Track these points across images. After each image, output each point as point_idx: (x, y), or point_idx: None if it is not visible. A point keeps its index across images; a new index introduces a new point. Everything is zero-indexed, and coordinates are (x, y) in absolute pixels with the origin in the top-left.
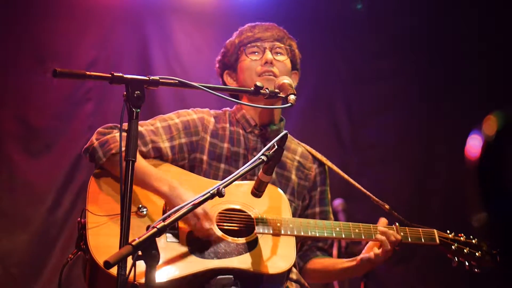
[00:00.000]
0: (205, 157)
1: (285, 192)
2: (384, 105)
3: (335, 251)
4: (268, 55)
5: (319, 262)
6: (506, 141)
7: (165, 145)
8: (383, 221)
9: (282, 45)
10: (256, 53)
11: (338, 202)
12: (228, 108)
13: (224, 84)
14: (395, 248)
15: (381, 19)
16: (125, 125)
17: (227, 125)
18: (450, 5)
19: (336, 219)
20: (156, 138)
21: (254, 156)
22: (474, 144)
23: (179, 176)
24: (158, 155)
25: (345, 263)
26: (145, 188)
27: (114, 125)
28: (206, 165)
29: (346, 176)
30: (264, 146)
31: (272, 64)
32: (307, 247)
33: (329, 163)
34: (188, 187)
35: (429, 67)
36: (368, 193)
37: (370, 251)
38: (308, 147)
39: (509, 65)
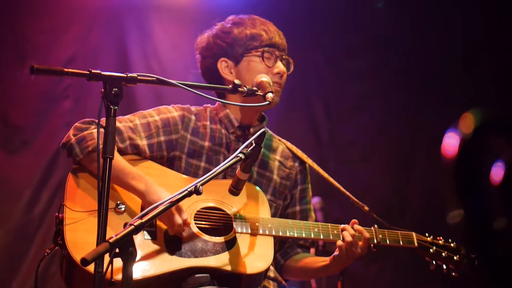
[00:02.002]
0: (184, 156)
1: (266, 192)
2: (362, 103)
3: (312, 250)
4: (282, 67)
5: (298, 260)
6: (483, 139)
7: (143, 142)
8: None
9: (286, 57)
10: (270, 60)
11: (315, 200)
12: (209, 105)
13: (214, 68)
14: (372, 249)
15: (361, 16)
16: (103, 121)
17: (208, 122)
18: (431, 4)
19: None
20: (134, 135)
21: None
22: (450, 142)
23: (160, 173)
24: (135, 152)
25: (321, 262)
26: (121, 186)
27: (91, 120)
28: (185, 164)
29: (326, 175)
30: None
31: (282, 77)
32: (288, 244)
33: (309, 161)
34: (165, 186)
35: (408, 65)
36: (348, 193)
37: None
38: (289, 144)
39: (488, 63)
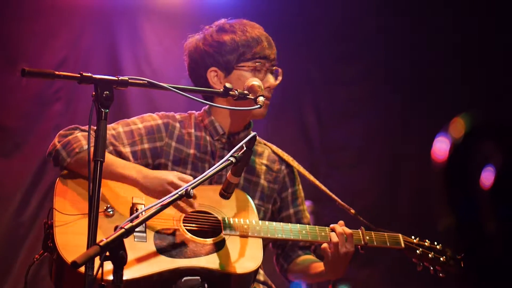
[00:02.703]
0: (170, 163)
1: (254, 197)
2: (354, 108)
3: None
4: (272, 80)
5: (299, 264)
6: (473, 144)
7: (126, 150)
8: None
9: (276, 67)
10: (261, 73)
11: (307, 205)
12: (194, 112)
13: (203, 75)
14: (359, 251)
15: (351, 23)
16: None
17: (193, 130)
18: (419, 8)
19: None
20: (117, 142)
21: None
22: (441, 147)
23: None
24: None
25: (319, 267)
26: (111, 178)
27: (75, 127)
28: (171, 171)
29: (312, 178)
30: None
31: (272, 90)
32: (289, 247)
33: (295, 164)
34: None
35: (399, 71)
36: (334, 196)
37: None
38: (274, 148)
39: (478, 68)
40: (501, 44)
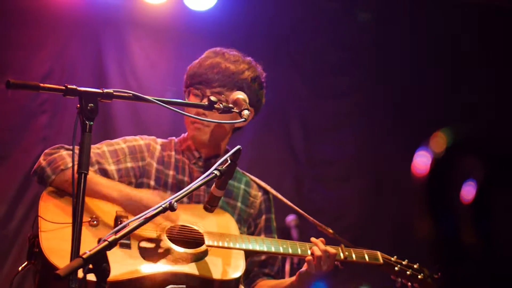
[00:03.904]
0: (152, 182)
1: None
2: (339, 122)
3: (287, 267)
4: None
5: (264, 285)
6: (454, 158)
7: (111, 167)
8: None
9: (227, 92)
10: (198, 96)
11: (291, 218)
12: (174, 138)
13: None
14: (339, 267)
15: (337, 35)
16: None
17: (173, 153)
18: (409, 22)
19: (289, 234)
20: (102, 160)
21: None
22: (422, 161)
23: None
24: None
25: (288, 280)
26: (94, 197)
27: (60, 146)
28: (152, 190)
29: (289, 203)
30: None
31: (206, 115)
32: (253, 273)
33: (273, 192)
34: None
35: (386, 84)
36: (311, 218)
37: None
38: (252, 177)
39: (464, 84)
40: (484, 60)
